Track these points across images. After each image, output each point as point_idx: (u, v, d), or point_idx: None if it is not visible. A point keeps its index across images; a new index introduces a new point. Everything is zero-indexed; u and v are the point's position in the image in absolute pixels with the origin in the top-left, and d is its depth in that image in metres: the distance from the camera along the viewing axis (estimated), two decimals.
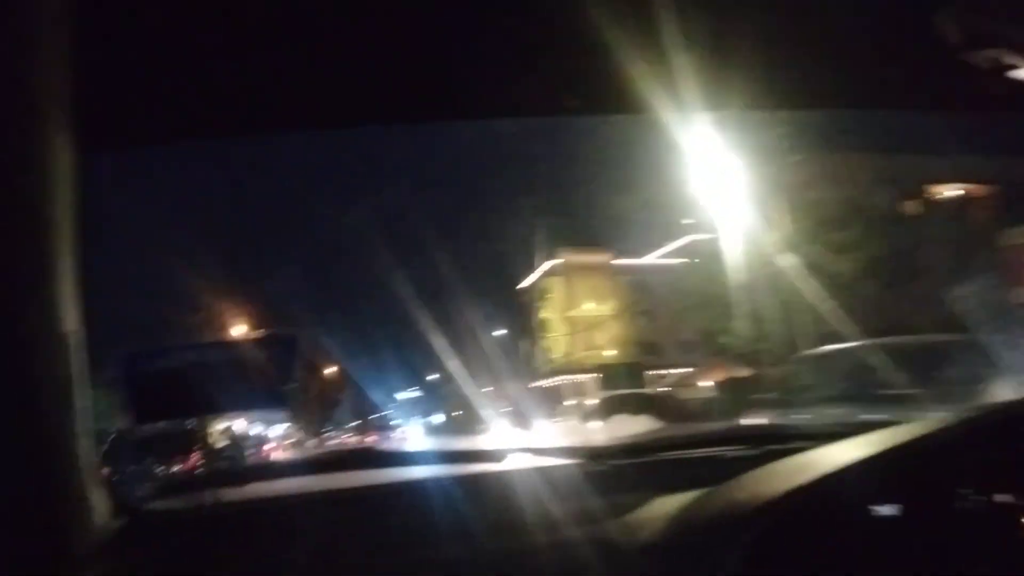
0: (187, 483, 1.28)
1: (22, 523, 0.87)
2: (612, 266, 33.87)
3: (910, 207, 18.51)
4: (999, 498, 0.81)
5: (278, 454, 16.86)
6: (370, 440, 25.31)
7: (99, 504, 0.98)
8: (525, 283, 37.23)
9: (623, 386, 23.04)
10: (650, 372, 27.82)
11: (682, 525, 1.00)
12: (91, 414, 0.97)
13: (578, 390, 30.15)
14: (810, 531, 0.83)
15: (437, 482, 1.21)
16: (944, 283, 12.48)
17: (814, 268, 13.73)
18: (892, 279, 15.66)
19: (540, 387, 31.67)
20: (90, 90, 0.83)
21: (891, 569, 0.80)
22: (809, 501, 0.85)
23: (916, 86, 1.28)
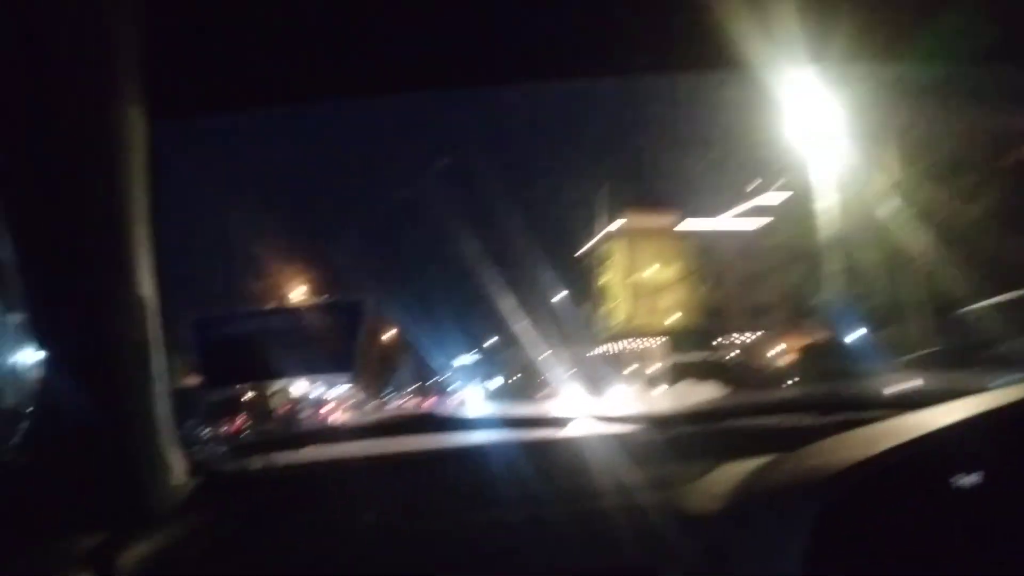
0: (259, 444, 1.35)
1: (103, 482, 0.94)
2: (680, 228, 33.16)
3: None
4: None
5: (336, 416, 17.44)
6: (428, 404, 25.87)
7: (175, 464, 1.05)
8: (587, 246, 36.88)
9: (693, 351, 22.77)
10: (721, 338, 27.31)
11: (751, 493, 0.99)
12: (166, 377, 1.03)
13: (643, 355, 29.94)
14: (884, 503, 0.82)
15: (502, 447, 1.23)
16: None
17: (926, 217, 12.66)
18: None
19: (603, 352, 31.59)
20: (161, 59, 0.86)
21: (970, 545, 0.78)
22: (884, 471, 0.83)
23: None
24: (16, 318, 1.00)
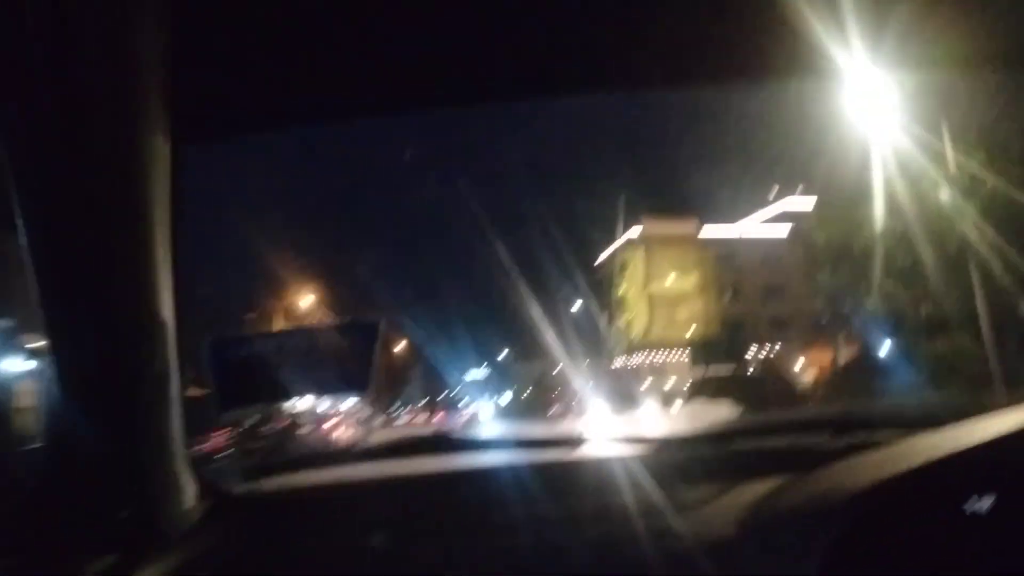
0: (270, 466, 1.37)
1: (116, 504, 0.96)
2: (700, 236, 33.04)
3: None
4: None
5: (339, 432, 17.41)
6: (438, 419, 25.87)
7: (187, 486, 1.07)
8: (605, 254, 36.81)
9: (712, 365, 22.62)
10: (742, 351, 27.16)
11: (766, 517, 1.01)
12: (181, 399, 1.06)
13: (660, 370, 29.79)
14: (898, 526, 0.83)
15: (513, 468, 1.25)
16: None
17: (991, 211, 11.48)
18: None
19: (619, 366, 31.45)
20: (185, 83, 0.89)
21: (984, 567, 0.80)
22: (898, 495, 0.84)
23: None
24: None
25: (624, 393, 21.45)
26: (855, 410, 1.38)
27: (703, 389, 19.60)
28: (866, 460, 1.01)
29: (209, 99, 1.02)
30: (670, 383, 25.39)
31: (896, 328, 14.10)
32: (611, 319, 35.25)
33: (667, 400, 20.77)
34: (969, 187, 11.80)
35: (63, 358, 0.95)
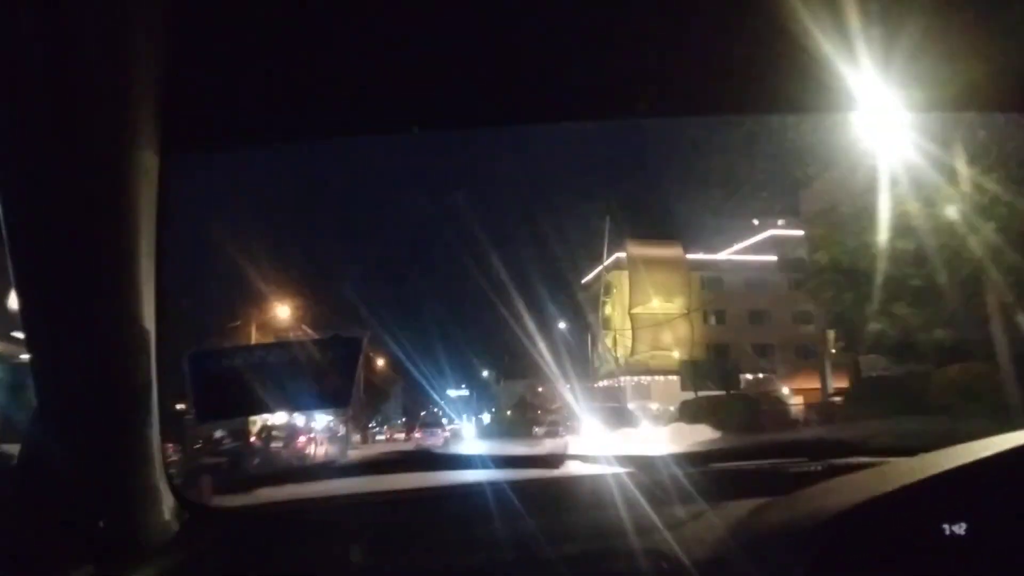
0: (249, 480, 1.38)
1: (93, 515, 0.97)
2: (685, 259, 33.27)
3: None
4: None
5: (312, 449, 17.18)
6: (417, 437, 25.74)
7: (165, 498, 1.08)
8: (589, 276, 36.95)
9: (695, 388, 22.66)
10: (725, 376, 27.38)
11: (744, 539, 1.03)
12: (158, 412, 1.06)
13: (643, 392, 29.83)
14: (874, 549, 0.86)
15: (494, 486, 1.27)
16: None
17: (1009, 230, 10.87)
18: None
19: (602, 387, 31.46)
20: (175, 94, 0.91)
21: None
22: (874, 518, 0.87)
23: None
24: None
25: (609, 413, 21.44)
26: (833, 436, 1.41)
27: (683, 411, 19.60)
28: (843, 483, 1.04)
29: (199, 111, 1.03)
30: (655, 405, 25.42)
31: (907, 352, 13.62)
32: (595, 340, 35.28)
33: (652, 421, 20.76)
34: (985, 206, 11.23)
35: (43, 367, 0.95)
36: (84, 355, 0.95)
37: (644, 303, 33.23)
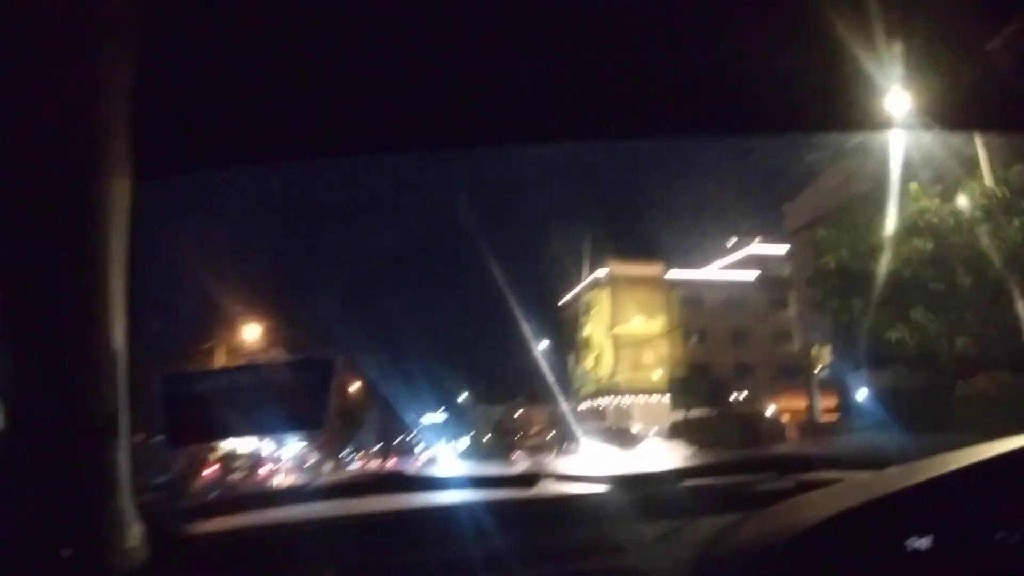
0: (217, 505, 1.38)
1: (60, 542, 0.97)
2: (666, 278, 33.49)
3: None
4: None
5: (278, 479, 16.76)
6: (392, 464, 25.51)
7: (133, 525, 1.08)
8: (570, 295, 37.03)
9: (676, 408, 22.71)
10: (707, 395, 27.53)
11: (716, 555, 1.06)
12: (129, 437, 1.07)
13: (623, 413, 29.85)
14: (842, 563, 0.89)
15: (467, 507, 1.28)
16: None
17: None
18: None
19: (581, 408, 31.43)
20: (147, 119, 0.92)
21: None
22: (842, 532, 0.90)
23: None
24: None
25: (586, 434, 21.44)
26: (802, 452, 1.46)
27: (687, 429, 19.52)
28: (812, 499, 1.07)
29: (172, 135, 1.05)
30: (636, 426, 25.45)
31: (927, 362, 12.45)
32: (576, 360, 35.30)
33: (632, 441, 20.75)
34: (1013, 206, 10.68)
35: (10, 391, 0.96)
36: (52, 379, 0.96)
37: (626, 322, 33.35)
